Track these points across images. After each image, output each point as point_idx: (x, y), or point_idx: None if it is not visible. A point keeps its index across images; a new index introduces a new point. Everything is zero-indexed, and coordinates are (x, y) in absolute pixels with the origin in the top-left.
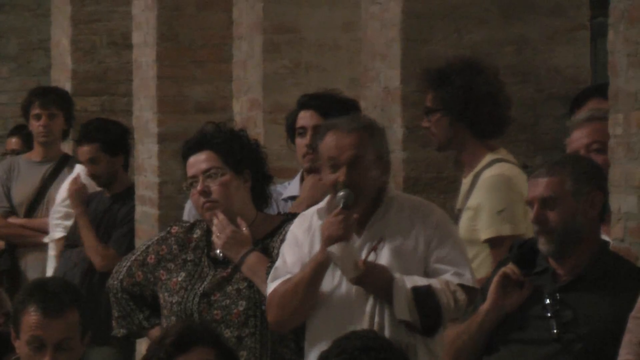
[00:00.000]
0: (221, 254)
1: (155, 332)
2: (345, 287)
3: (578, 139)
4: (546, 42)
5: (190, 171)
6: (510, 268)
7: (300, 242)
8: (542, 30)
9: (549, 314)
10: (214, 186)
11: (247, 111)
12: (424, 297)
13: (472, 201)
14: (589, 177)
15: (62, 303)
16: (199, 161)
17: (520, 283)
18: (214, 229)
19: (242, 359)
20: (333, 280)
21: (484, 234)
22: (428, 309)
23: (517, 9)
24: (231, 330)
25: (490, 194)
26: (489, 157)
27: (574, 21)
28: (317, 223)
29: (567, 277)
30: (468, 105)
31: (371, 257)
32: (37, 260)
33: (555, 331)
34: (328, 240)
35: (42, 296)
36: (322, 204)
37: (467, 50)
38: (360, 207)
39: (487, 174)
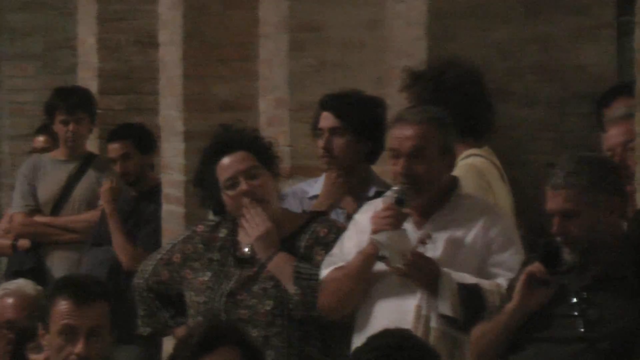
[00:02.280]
0: (248, 252)
1: (181, 331)
2: (395, 278)
3: (614, 136)
4: (571, 40)
5: (227, 172)
6: (536, 267)
7: (363, 228)
8: (568, 28)
9: (575, 313)
10: (256, 186)
11: (272, 110)
12: (469, 295)
13: None
14: (606, 184)
15: (92, 292)
16: (236, 161)
17: (546, 281)
18: (248, 218)
19: (269, 358)
20: (385, 271)
21: None
22: (473, 307)
23: (542, 7)
24: (258, 330)
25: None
26: (465, 153)
27: (599, 19)
28: None
29: (593, 275)
30: (437, 96)
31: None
32: (63, 259)
33: (581, 330)
34: (375, 234)
35: (71, 287)
36: (390, 191)
37: (492, 49)
38: (420, 199)
39: (459, 165)
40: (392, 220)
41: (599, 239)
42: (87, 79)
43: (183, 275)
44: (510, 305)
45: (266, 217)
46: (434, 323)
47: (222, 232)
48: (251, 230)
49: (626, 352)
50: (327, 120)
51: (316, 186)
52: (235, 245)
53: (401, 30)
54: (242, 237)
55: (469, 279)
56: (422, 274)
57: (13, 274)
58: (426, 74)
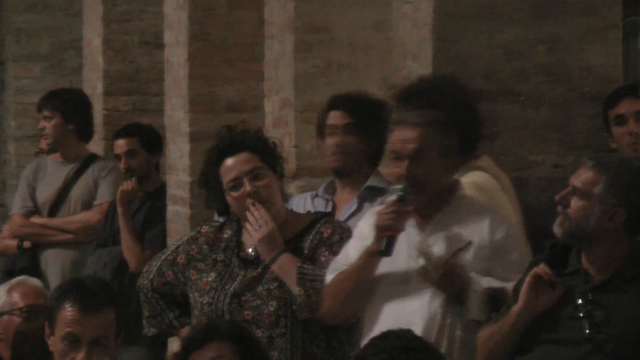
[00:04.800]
0: (253, 253)
1: (185, 331)
2: (399, 276)
3: None
4: (578, 41)
5: (231, 174)
6: (542, 268)
7: (365, 235)
8: (574, 29)
9: (581, 315)
10: (260, 187)
11: (278, 111)
12: (497, 299)
13: None
14: (623, 192)
15: (99, 300)
16: (239, 162)
17: (552, 283)
18: (251, 220)
19: (273, 359)
20: (390, 270)
21: None
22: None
23: (549, 8)
24: (262, 331)
25: None
26: (463, 169)
27: (606, 20)
28: None
29: (599, 277)
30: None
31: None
32: (57, 259)
33: (587, 331)
34: (378, 230)
35: (79, 293)
36: (392, 191)
37: (498, 50)
38: (421, 201)
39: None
40: (396, 216)
41: (585, 231)
42: (93, 80)
43: (188, 276)
44: (516, 307)
45: (270, 218)
46: (459, 331)
47: (227, 233)
48: (255, 232)
49: (632, 354)
50: (339, 118)
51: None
52: (240, 246)
53: (407, 31)
54: (246, 238)
55: (494, 282)
56: (452, 284)
57: (6, 274)
58: (421, 88)
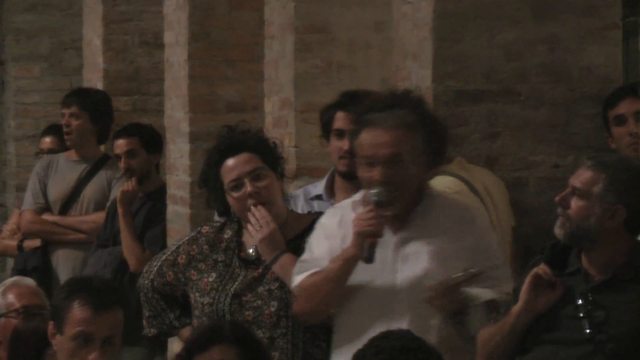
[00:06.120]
0: (253, 253)
1: (186, 332)
2: (379, 283)
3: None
4: (578, 41)
5: (232, 174)
6: (542, 269)
7: (332, 234)
8: (574, 29)
9: (581, 315)
10: (261, 187)
11: (278, 111)
12: (495, 311)
13: None
14: (623, 191)
15: (110, 299)
16: (240, 163)
17: (552, 283)
18: (252, 220)
19: (273, 359)
20: (366, 276)
21: None
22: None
23: (549, 8)
24: (263, 331)
25: None
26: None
27: (606, 20)
28: (350, 216)
29: (599, 277)
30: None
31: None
32: (68, 259)
33: (587, 332)
34: (358, 237)
35: (89, 292)
36: (357, 196)
37: (498, 50)
38: (400, 205)
39: None
40: (375, 222)
41: (586, 231)
42: (93, 80)
43: (188, 276)
44: (516, 307)
45: (270, 219)
46: (457, 343)
47: (227, 234)
48: (255, 232)
49: (632, 354)
50: (347, 122)
51: (319, 186)
52: (240, 246)
53: (407, 31)
54: (246, 238)
55: (487, 294)
56: (452, 305)
57: (17, 273)
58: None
